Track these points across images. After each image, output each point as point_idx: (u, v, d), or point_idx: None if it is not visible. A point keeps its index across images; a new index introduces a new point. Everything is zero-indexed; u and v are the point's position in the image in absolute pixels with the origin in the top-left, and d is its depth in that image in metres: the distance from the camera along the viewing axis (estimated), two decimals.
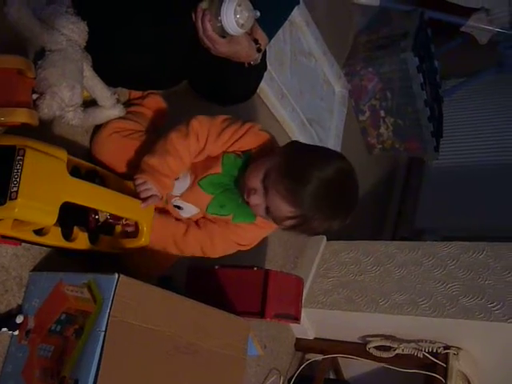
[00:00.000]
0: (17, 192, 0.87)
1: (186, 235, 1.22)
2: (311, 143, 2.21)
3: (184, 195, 1.21)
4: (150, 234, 1.15)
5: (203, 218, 1.27)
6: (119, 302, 0.94)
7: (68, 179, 0.97)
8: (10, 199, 0.87)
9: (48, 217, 0.93)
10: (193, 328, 1.10)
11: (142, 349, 0.99)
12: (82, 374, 0.90)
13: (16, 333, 1.04)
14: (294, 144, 1.18)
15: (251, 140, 1.18)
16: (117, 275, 0.95)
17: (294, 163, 1.07)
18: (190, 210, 1.24)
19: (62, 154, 0.97)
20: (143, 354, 0.99)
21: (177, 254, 1.27)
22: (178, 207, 1.24)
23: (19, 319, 1.04)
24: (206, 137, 1.16)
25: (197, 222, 1.26)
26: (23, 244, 1.06)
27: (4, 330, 1.03)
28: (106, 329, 0.92)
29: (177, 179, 1.19)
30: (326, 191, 1.05)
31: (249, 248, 1.31)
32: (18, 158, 0.89)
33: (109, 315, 0.93)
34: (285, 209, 1.07)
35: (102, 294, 0.95)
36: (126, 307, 0.96)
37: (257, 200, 1.11)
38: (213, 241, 1.24)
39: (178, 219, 1.25)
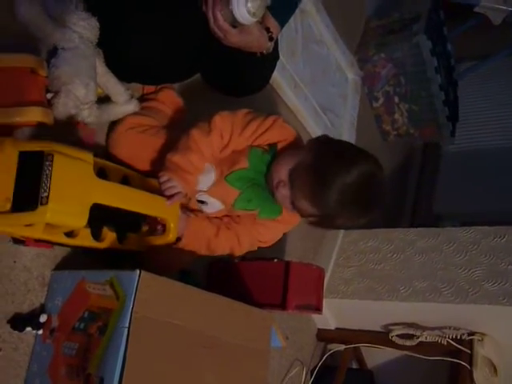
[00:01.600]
0: (47, 197, 0.89)
1: (217, 237, 1.24)
2: (327, 132, 2.20)
3: (211, 190, 1.20)
4: (185, 236, 1.17)
5: (227, 216, 1.28)
6: (141, 298, 0.94)
7: (96, 181, 0.98)
8: (41, 204, 0.88)
9: (78, 219, 0.94)
10: (216, 322, 1.10)
11: (165, 344, 0.99)
12: (108, 371, 0.90)
13: (40, 332, 1.05)
14: (321, 142, 1.16)
15: (277, 133, 1.18)
16: (138, 271, 0.95)
17: (319, 165, 1.07)
18: (214, 206, 1.23)
19: (89, 157, 0.97)
20: (167, 349, 0.99)
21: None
22: (202, 202, 1.23)
23: (43, 318, 1.04)
24: (231, 132, 1.15)
25: (223, 222, 1.27)
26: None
27: (28, 329, 1.03)
28: (129, 325, 0.92)
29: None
30: (349, 196, 1.06)
31: (268, 245, 1.34)
32: (47, 163, 0.90)
33: (132, 311, 0.93)
34: (308, 208, 1.10)
35: (125, 290, 0.95)
36: (149, 303, 0.96)
37: (284, 192, 1.13)
38: (240, 241, 1.27)
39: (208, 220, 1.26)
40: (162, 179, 1.11)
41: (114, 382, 0.89)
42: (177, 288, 1.04)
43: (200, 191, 1.22)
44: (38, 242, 1.00)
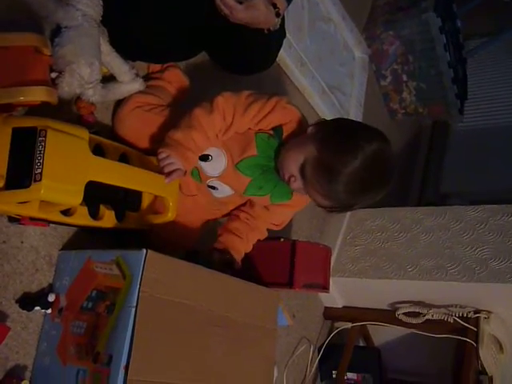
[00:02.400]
0: (41, 174, 0.87)
1: (248, 243, 1.31)
2: (334, 111, 2.19)
3: (222, 177, 1.20)
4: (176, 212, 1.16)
5: (244, 212, 1.30)
6: (148, 278, 0.95)
7: (91, 158, 0.96)
8: (35, 181, 0.87)
9: (74, 197, 0.93)
10: (223, 301, 1.11)
11: (173, 323, 1.00)
12: (116, 350, 0.91)
13: (49, 311, 1.06)
14: (324, 129, 1.12)
15: (279, 115, 1.16)
16: (144, 251, 0.95)
17: (324, 159, 1.06)
18: (224, 191, 1.24)
19: (84, 133, 0.96)
20: (175, 328, 1.00)
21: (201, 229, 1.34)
22: (213, 187, 1.24)
23: (51, 298, 1.05)
24: (233, 113, 1.13)
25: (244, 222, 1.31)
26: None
27: (37, 308, 1.04)
28: (136, 304, 0.93)
29: (210, 160, 1.18)
30: (360, 184, 1.06)
31: (280, 228, 1.34)
32: (40, 139, 0.88)
33: (139, 291, 0.93)
34: (323, 201, 1.11)
35: (131, 269, 0.96)
36: (156, 282, 0.96)
37: (298, 185, 1.13)
38: (261, 232, 1.33)
39: (236, 235, 1.30)
40: (161, 156, 1.10)
41: (122, 360, 0.90)
42: (184, 267, 1.04)
43: (211, 177, 1.21)
44: (34, 220, 0.99)
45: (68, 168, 0.91)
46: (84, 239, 1.14)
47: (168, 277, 0.99)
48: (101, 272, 1.01)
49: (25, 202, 0.93)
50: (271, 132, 1.16)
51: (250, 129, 1.16)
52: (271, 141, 1.16)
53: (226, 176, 1.20)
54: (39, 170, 0.87)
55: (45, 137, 0.89)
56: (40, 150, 0.88)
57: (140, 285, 0.94)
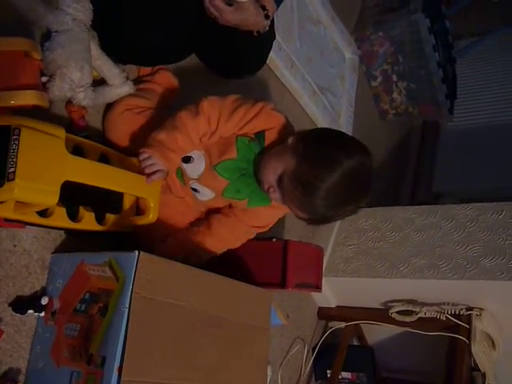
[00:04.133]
0: (14, 173, 0.85)
1: (212, 238, 1.27)
2: (325, 113, 2.19)
3: (201, 179, 1.20)
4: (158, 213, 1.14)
5: (222, 214, 1.28)
6: (141, 279, 0.95)
7: (67, 157, 0.94)
8: (8, 180, 0.85)
9: (49, 197, 0.91)
10: (216, 301, 1.11)
11: (166, 324, 1.00)
12: (109, 351, 0.92)
13: (42, 314, 1.06)
14: (303, 141, 1.10)
15: (263, 121, 1.15)
16: (137, 252, 0.95)
17: (302, 173, 1.04)
18: (205, 194, 1.23)
19: (60, 132, 0.94)
20: (168, 328, 1.00)
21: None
22: (195, 190, 1.23)
23: (44, 301, 1.05)
24: (218, 118, 1.13)
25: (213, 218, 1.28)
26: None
27: (30, 311, 1.05)
28: (129, 305, 0.93)
29: (191, 162, 1.19)
30: (336, 199, 1.05)
31: (266, 229, 1.33)
32: (14, 137, 0.86)
33: (131, 292, 0.94)
34: (300, 214, 1.11)
35: (124, 271, 0.96)
36: (148, 283, 0.97)
37: (276, 195, 1.12)
38: (236, 236, 1.30)
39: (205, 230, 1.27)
40: (143, 156, 1.09)
41: (115, 362, 0.90)
42: (177, 268, 1.04)
43: (192, 179, 1.21)
44: (9, 221, 0.97)
45: (43, 167, 0.89)
46: (77, 242, 1.14)
47: (161, 278, 1.00)
48: (94, 274, 1.01)
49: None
50: (252, 136, 1.16)
51: (233, 133, 1.16)
52: (252, 144, 1.15)
53: (204, 178, 1.19)
54: (12, 169, 0.85)
55: (18, 135, 0.87)
56: (14, 149, 0.86)
57: (133, 286, 0.94)
